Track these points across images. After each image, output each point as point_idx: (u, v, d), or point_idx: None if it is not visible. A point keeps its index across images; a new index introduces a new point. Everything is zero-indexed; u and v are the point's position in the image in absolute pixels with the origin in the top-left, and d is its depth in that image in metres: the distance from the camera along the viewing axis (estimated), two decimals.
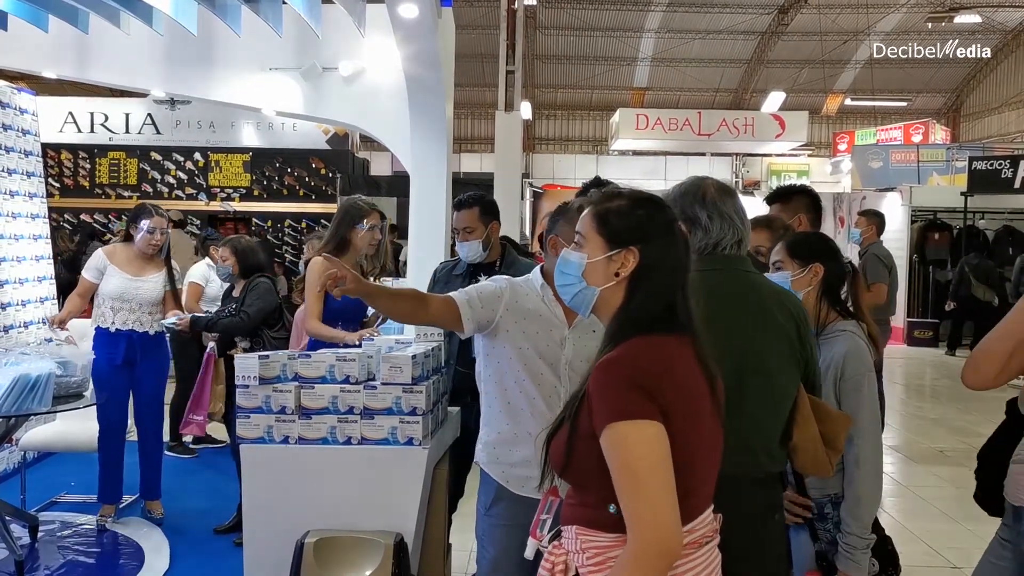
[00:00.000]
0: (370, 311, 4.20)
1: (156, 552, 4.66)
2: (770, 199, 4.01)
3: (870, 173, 17.66)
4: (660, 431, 1.64)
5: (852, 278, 2.91)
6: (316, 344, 4.03)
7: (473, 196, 3.93)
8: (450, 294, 2.75)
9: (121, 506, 5.26)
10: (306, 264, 4.63)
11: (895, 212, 13.66)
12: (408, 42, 5.49)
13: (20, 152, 6.42)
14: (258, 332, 4.78)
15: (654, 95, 22.40)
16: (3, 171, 6.15)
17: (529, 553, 1.99)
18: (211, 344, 4.98)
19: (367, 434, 3.12)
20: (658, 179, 19.42)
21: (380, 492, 3.09)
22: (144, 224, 5.06)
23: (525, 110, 14.69)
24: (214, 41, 6.49)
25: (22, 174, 6.45)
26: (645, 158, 21.75)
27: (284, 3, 5.40)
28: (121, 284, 5.04)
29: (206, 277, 6.50)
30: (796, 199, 3.89)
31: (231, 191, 14.23)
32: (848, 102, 22.70)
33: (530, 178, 17.56)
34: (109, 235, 13.17)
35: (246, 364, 3.17)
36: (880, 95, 21.51)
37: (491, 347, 2.79)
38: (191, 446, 6.79)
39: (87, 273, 5.12)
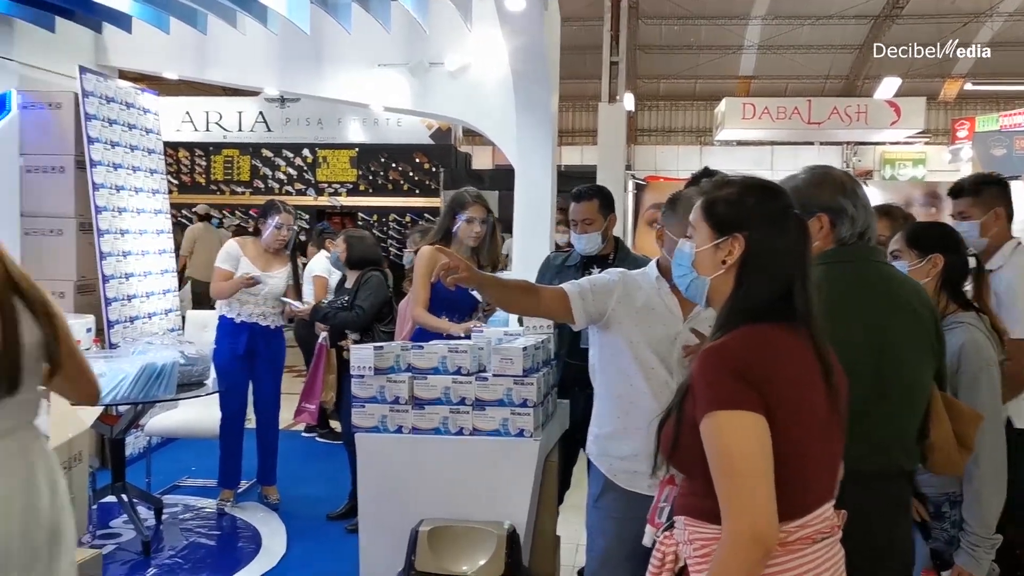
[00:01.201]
0: (483, 304, 4.21)
1: (273, 536, 4.81)
2: (955, 192, 3.55)
3: (992, 161, 16.83)
4: (759, 422, 1.62)
5: (977, 271, 2.77)
6: (421, 334, 4.08)
7: (593, 188, 3.94)
8: (562, 286, 2.75)
9: (239, 491, 5.46)
10: (415, 255, 4.69)
11: (1019, 202, 12.95)
12: (514, 35, 5.50)
13: (144, 150, 6.71)
14: (369, 325, 4.88)
15: (760, 83, 21.87)
16: (129, 168, 6.43)
17: (647, 540, 1.99)
18: (323, 335, 5.10)
19: (478, 425, 3.14)
20: (764, 169, 18.96)
21: (491, 483, 3.11)
22: (273, 220, 5.22)
23: (628, 101, 14.55)
24: (325, 39, 6.64)
25: (146, 171, 6.73)
26: (750, 148, 21.27)
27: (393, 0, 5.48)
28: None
29: (328, 269, 6.65)
30: (987, 191, 3.47)
31: (338, 186, 14.57)
32: (968, 87, 21.69)
33: (632, 170, 17.40)
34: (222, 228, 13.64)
35: (361, 355, 3.23)
36: (1003, 79, 20.47)
37: (603, 339, 2.79)
38: (303, 434, 6.99)
39: (222, 263, 5.26)
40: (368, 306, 4.82)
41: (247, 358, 5.21)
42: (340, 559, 4.40)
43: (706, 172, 3.65)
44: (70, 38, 6.30)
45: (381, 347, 3.28)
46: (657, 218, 3.02)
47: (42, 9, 5.76)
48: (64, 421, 3.43)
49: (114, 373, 4.27)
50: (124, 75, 7.09)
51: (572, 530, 4.00)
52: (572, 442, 3.77)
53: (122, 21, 6.04)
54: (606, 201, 3.88)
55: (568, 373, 3.80)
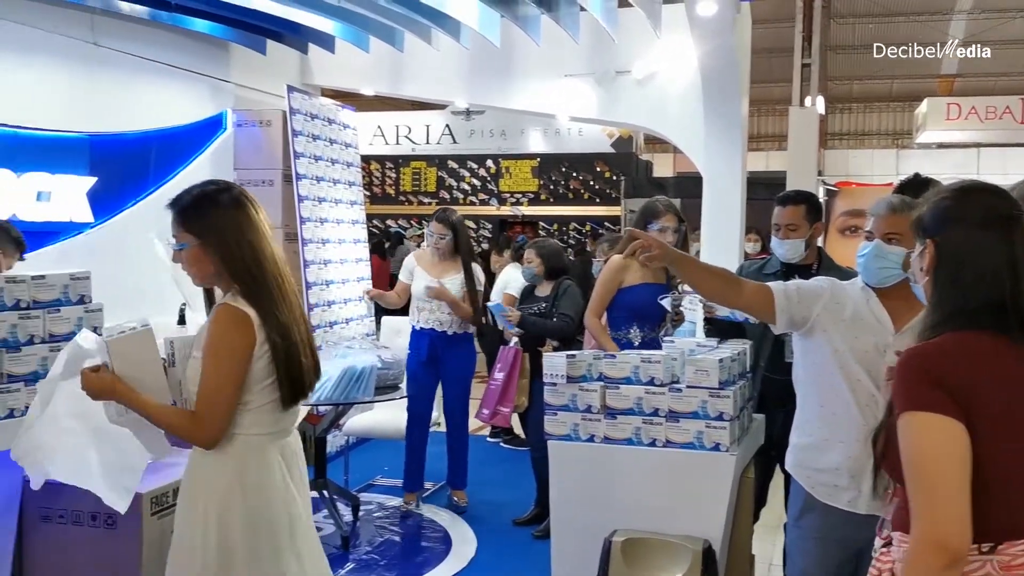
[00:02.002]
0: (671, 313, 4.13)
1: (462, 539, 4.92)
2: None
3: None
4: (955, 427, 1.55)
5: None
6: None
7: (801, 193, 3.82)
8: (767, 283, 2.68)
9: (427, 493, 5.62)
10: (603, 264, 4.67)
11: None
12: (705, 40, 5.41)
13: (343, 164, 7.06)
14: (573, 334, 4.90)
15: (965, 82, 20.43)
16: (330, 181, 6.79)
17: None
18: (514, 340, 5.17)
19: (672, 437, 3.09)
20: (969, 173, 17.71)
21: (686, 496, 3.04)
22: (426, 229, 5.41)
23: (820, 104, 13.98)
24: (513, 52, 6.77)
25: (345, 184, 7.08)
26: (953, 151, 19.89)
27: (583, 10, 5.50)
28: (423, 285, 5.37)
29: (519, 286, 6.72)
30: None
31: (520, 196, 14.81)
32: None
33: (823, 175, 16.69)
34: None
35: (554, 362, 3.24)
36: None
37: (807, 348, 2.69)
38: (488, 439, 7.12)
39: (401, 275, 5.54)
40: (574, 314, 4.85)
41: (431, 364, 5.35)
42: (529, 564, 4.44)
43: (916, 178, 3.46)
44: (279, 60, 6.73)
45: (573, 355, 3.28)
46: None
47: (255, 33, 6.18)
48: None
49: None
50: (324, 92, 7.49)
51: (766, 549, 3.86)
52: (768, 458, 3.66)
53: (326, 42, 6.39)
54: (813, 208, 3.74)
55: (766, 387, 3.68)
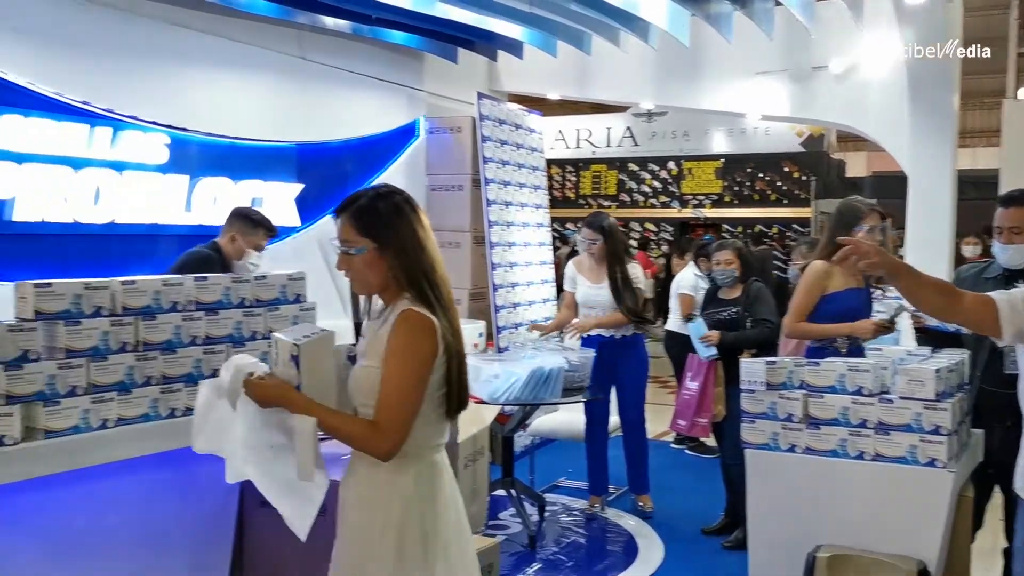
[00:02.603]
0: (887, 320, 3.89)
1: (649, 545, 4.86)
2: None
3: None
4: None
5: None
6: (814, 350, 3.88)
7: None
8: (989, 294, 2.47)
9: (611, 497, 5.59)
10: (802, 270, 4.47)
11: None
12: (913, 31, 5.09)
13: (529, 168, 7.16)
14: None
15: None
16: (516, 185, 6.90)
17: None
18: (710, 352, 5.02)
19: (881, 450, 2.92)
20: None
21: (897, 514, 2.87)
22: (578, 235, 5.35)
23: None
24: (702, 50, 6.64)
25: (531, 187, 7.18)
26: None
27: (778, 4, 5.32)
28: (584, 292, 5.36)
29: (695, 286, 6.58)
30: None
31: (702, 198, 14.51)
32: None
33: None
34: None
35: (753, 368, 3.15)
36: None
37: None
38: (672, 445, 7.01)
39: (565, 285, 5.54)
40: (775, 318, 4.68)
41: (605, 368, 5.29)
42: (720, 575, 4.33)
43: None
44: (469, 67, 6.92)
45: (773, 361, 3.17)
46: None
47: (448, 42, 6.38)
48: (470, 419, 3.74)
49: (507, 375, 4.58)
50: (511, 98, 7.62)
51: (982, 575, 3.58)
52: (985, 476, 3.39)
53: (515, 48, 6.50)
54: None
55: (983, 400, 3.41)
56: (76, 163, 4.32)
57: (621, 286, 5.20)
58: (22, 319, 2.40)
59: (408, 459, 2.10)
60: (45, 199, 4.19)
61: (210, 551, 2.92)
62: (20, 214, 4.10)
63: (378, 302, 2.22)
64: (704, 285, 6.32)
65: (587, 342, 5.36)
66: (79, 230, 4.37)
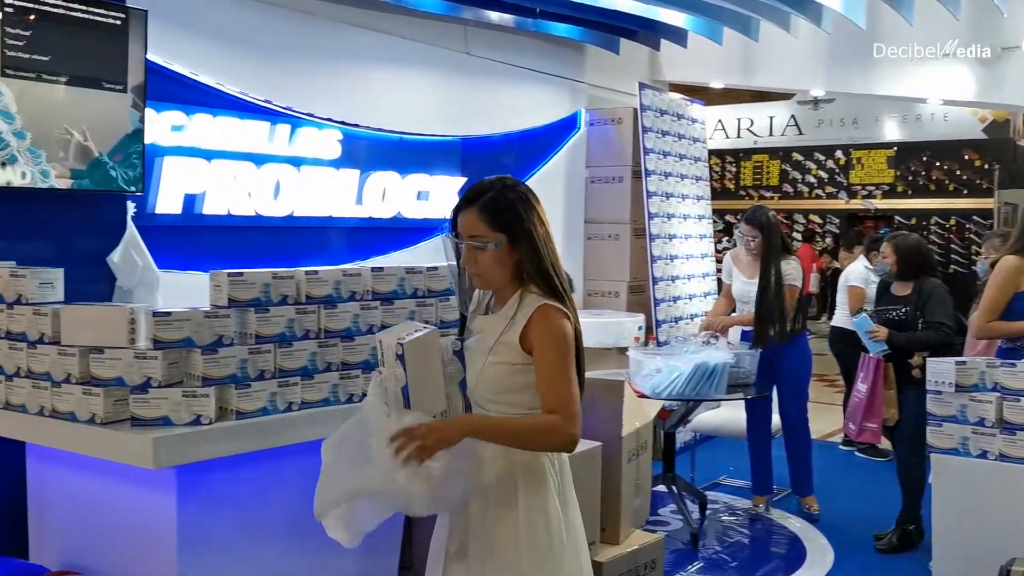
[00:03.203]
0: None
1: (817, 549, 4.68)
2: None
3: None
4: None
5: None
6: (1007, 351, 3.61)
7: None
8: None
9: (776, 498, 5.42)
10: (992, 265, 4.17)
11: None
12: None
13: (691, 159, 7.02)
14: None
15: None
16: (677, 176, 6.78)
17: None
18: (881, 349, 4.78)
19: None
20: None
21: None
22: (736, 230, 5.18)
23: None
24: (879, 33, 6.31)
25: (692, 179, 7.05)
26: None
27: None
28: (739, 287, 5.26)
29: (866, 279, 6.30)
30: None
31: (872, 188, 13.85)
32: None
33: None
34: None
35: (940, 368, 2.97)
36: None
37: None
38: (841, 447, 6.73)
39: (723, 276, 5.48)
40: (950, 321, 4.40)
41: (767, 365, 5.11)
42: None
43: None
44: (631, 58, 6.84)
45: (963, 362, 2.98)
46: None
47: (610, 33, 6.33)
48: (633, 413, 3.70)
49: (670, 369, 4.51)
50: (672, 89, 7.48)
51: None
52: None
53: (679, 36, 6.39)
54: None
55: None
56: (258, 159, 4.55)
57: (773, 286, 5.02)
58: (217, 306, 2.55)
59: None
60: (231, 193, 4.44)
61: (380, 535, 3.01)
62: (209, 207, 4.35)
63: (485, 296, 2.21)
64: (875, 279, 6.03)
65: (746, 337, 5.23)
66: (261, 223, 4.60)
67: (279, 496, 2.67)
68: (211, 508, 2.53)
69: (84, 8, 3.17)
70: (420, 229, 5.38)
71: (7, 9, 2.96)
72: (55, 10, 3.10)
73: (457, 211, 2.14)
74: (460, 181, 5.64)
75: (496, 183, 2.14)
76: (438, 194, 5.50)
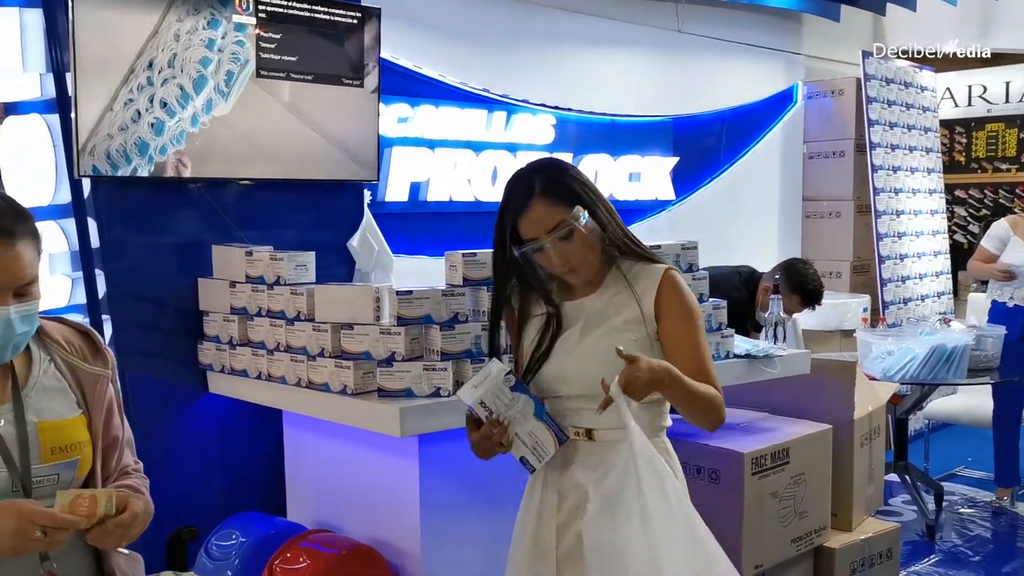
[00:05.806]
0: None
1: None
2: None
3: None
4: None
5: None
6: None
7: None
8: None
9: (1023, 491, 5.02)
10: None
11: None
12: None
13: (920, 129, 6.60)
14: None
15: None
16: (905, 149, 6.39)
17: None
18: None
19: None
20: None
21: None
22: None
23: None
24: None
25: (921, 151, 6.63)
26: None
27: None
28: (1021, 258, 4.77)
29: None
30: None
31: None
32: None
33: None
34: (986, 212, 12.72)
35: None
36: None
37: None
38: None
39: (987, 242, 5.00)
40: None
41: (1022, 345, 4.72)
42: None
43: None
44: (852, 25, 6.50)
45: None
46: None
47: (831, 0, 6.04)
48: (865, 397, 3.53)
49: (903, 352, 4.28)
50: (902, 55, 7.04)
51: None
52: None
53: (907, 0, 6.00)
54: None
55: None
56: (477, 146, 4.70)
57: None
58: (452, 285, 2.67)
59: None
60: (452, 180, 4.62)
61: None
62: (433, 194, 4.55)
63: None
64: None
65: (1008, 313, 4.83)
66: (479, 208, 4.75)
67: (509, 464, 2.76)
68: (449, 474, 2.67)
69: (325, 10, 3.39)
70: (632, 211, 5.36)
71: (260, 15, 3.22)
72: (301, 13, 3.34)
73: (516, 217, 1.89)
74: (672, 161, 5.58)
75: (522, 173, 1.94)
76: (650, 175, 5.47)
